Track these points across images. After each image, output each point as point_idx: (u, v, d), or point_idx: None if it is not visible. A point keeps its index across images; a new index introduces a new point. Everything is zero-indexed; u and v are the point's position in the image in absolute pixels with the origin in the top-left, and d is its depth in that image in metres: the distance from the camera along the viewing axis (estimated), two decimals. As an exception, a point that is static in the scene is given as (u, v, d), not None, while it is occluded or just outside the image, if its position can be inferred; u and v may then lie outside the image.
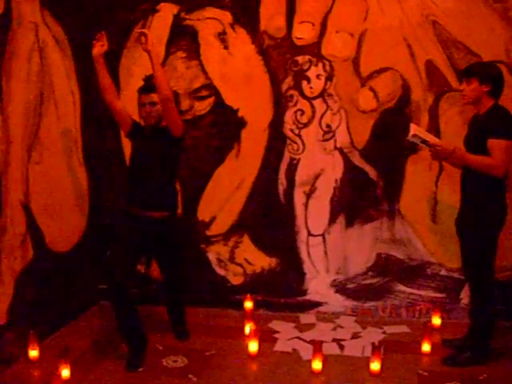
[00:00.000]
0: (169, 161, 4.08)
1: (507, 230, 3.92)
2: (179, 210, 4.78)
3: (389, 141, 4.59)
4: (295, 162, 4.78)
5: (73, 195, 4.71)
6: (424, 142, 3.71)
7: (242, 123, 4.80)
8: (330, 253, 4.82)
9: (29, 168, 4.16)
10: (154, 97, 3.97)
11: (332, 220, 4.78)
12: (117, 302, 3.92)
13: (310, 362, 3.91)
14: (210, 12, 4.73)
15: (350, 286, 4.81)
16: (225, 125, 4.83)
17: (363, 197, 4.71)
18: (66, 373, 3.74)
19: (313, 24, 4.59)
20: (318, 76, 4.65)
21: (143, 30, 3.81)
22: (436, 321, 4.50)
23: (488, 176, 3.64)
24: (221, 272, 5.00)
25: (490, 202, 3.75)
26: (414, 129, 3.70)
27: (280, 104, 4.73)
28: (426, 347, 4.11)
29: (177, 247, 4.40)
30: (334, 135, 4.69)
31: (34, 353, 4.02)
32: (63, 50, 4.53)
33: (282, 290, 4.91)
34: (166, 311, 4.49)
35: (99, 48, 3.99)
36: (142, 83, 4.76)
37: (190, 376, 3.85)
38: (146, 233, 4.02)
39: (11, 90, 3.96)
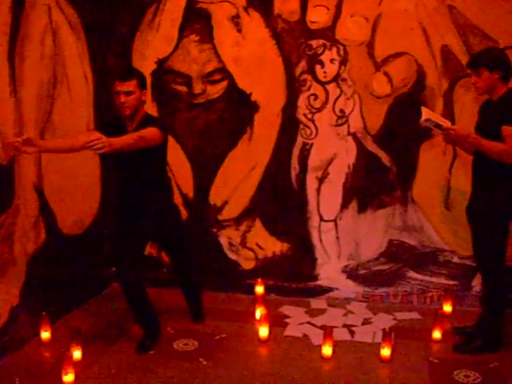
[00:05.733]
0: (149, 160, 3.83)
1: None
2: (191, 194, 4.84)
3: (403, 126, 4.55)
4: (308, 146, 4.75)
5: (85, 179, 4.72)
6: (437, 125, 3.66)
7: (254, 107, 4.78)
8: (341, 238, 4.81)
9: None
10: (130, 85, 3.72)
11: (344, 205, 4.77)
12: (126, 288, 3.93)
13: (320, 347, 3.91)
14: (224, -5, 4.70)
15: (362, 271, 4.81)
16: (237, 109, 4.81)
17: (376, 182, 4.68)
18: (77, 354, 3.77)
19: (327, 8, 4.54)
20: (331, 60, 4.61)
21: (92, 141, 3.26)
22: (447, 308, 4.48)
23: (500, 163, 3.60)
24: (232, 256, 5.01)
25: (502, 189, 3.72)
26: (425, 113, 3.66)
27: (293, 88, 4.70)
28: (436, 334, 4.10)
29: (180, 236, 4.33)
30: (347, 120, 4.66)
31: (46, 334, 4.06)
32: (76, 32, 4.51)
33: (294, 275, 4.91)
34: (182, 293, 4.49)
35: (25, 150, 3.31)
36: (154, 66, 4.80)
37: (201, 359, 3.87)
38: (144, 223, 3.96)
39: (24, 73, 3.96)
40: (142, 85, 3.82)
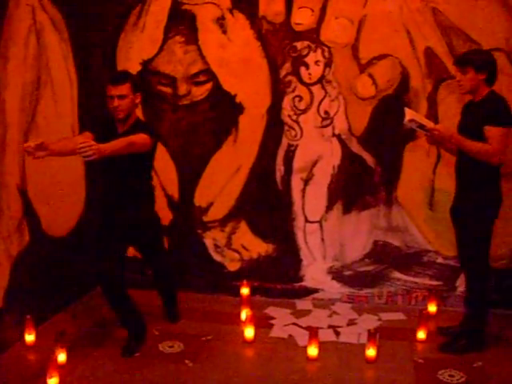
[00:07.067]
0: (135, 165, 3.84)
1: (502, 218, 3.94)
2: (176, 196, 4.82)
3: (387, 128, 4.58)
4: (293, 148, 4.76)
5: (69, 180, 4.69)
6: (421, 126, 3.69)
7: (239, 109, 4.78)
8: (326, 239, 4.82)
9: (25, 152, 4.12)
10: (124, 89, 3.75)
11: (329, 207, 4.78)
12: (107, 292, 3.94)
13: (305, 348, 3.93)
14: (209, -4, 4.70)
15: (347, 272, 4.82)
16: (222, 110, 4.81)
17: (361, 184, 4.70)
18: (62, 357, 3.75)
19: (312, 9, 4.55)
20: (316, 62, 4.62)
21: (83, 144, 3.26)
22: (432, 308, 4.51)
23: (483, 163, 3.64)
24: (217, 258, 5.00)
25: (485, 189, 3.76)
26: (409, 113, 3.69)
27: (278, 90, 4.71)
28: (421, 334, 4.13)
29: (159, 244, 4.39)
30: (332, 122, 4.68)
31: (30, 337, 4.04)
32: (60, 32, 4.49)
33: (279, 277, 4.91)
34: (158, 294, 4.52)
35: (38, 155, 3.37)
36: (139, 67, 4.79)
37: (186, 361, 3.87)
38: (125, 229, 3.97)
39: (8, 74, 3.93)
40: (134, 88, 3.83)
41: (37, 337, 4.06)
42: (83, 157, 3.27)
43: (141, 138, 3.71)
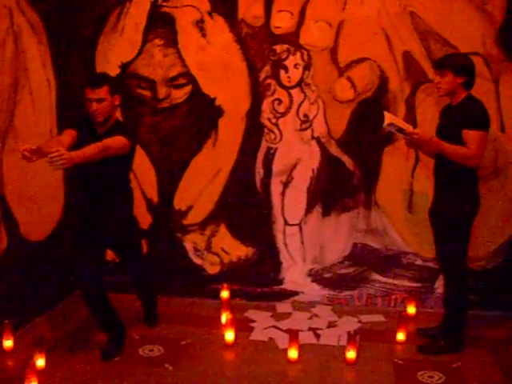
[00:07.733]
0: (113, 167, 3.79)
1: (480, 220, 3.98)
2: (156, 199, 4.80)
3: (366, 131, 4.60)
4: (272, 151, 4.77)
5: (48, 184, 4.65)
6: (400, 130, 3.72)
7: (219, 112, 4.78)
8: (306, 242, 4.84)
9: (3, 156, 4.10)
10: (102, 92, 3.69)
11: (309, 209, 4.79)
12: (88, 298, 3.91)
13: (286, 350, 3.93)
14: (188, -1, 4.70)
15: (326, 275, 4.83)
16: (202, 113, 4.80)
17: (340, 186, 4.72)
18: (40, 362, 3.72)
19: (291, 13, 4.57)
20: (295, 65, 4.64)
21: (54, 154, 3.18)
22: (411, 310, 4.54)
23: (461, 166, 3.68)
24: (197, 261, 4.99)
25: (463, 192, 3.80)
26: (388, 117, 3.70)
27: (257, 93, 4.72)
28: (401, 336, 4.15)
29: (137, 247, 4.38)
30: (311, 125, 4.69)
31: (8, 343, 3.99)
32: (38, 35, 4.45)
33: (259, 280, 4.91)
34: (139, 299, 4.51)
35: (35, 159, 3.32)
36: (118, 70, 4.77)
37: (167, 365, 3.85)
38: (103, 233, 3.94)
39: (-15, 77, 3.90)
40: (113, 90, 3.79)
41: (15, 342, 4.01)
42: (53, 166, 3.20)
43: (117, 141, 3.68)
